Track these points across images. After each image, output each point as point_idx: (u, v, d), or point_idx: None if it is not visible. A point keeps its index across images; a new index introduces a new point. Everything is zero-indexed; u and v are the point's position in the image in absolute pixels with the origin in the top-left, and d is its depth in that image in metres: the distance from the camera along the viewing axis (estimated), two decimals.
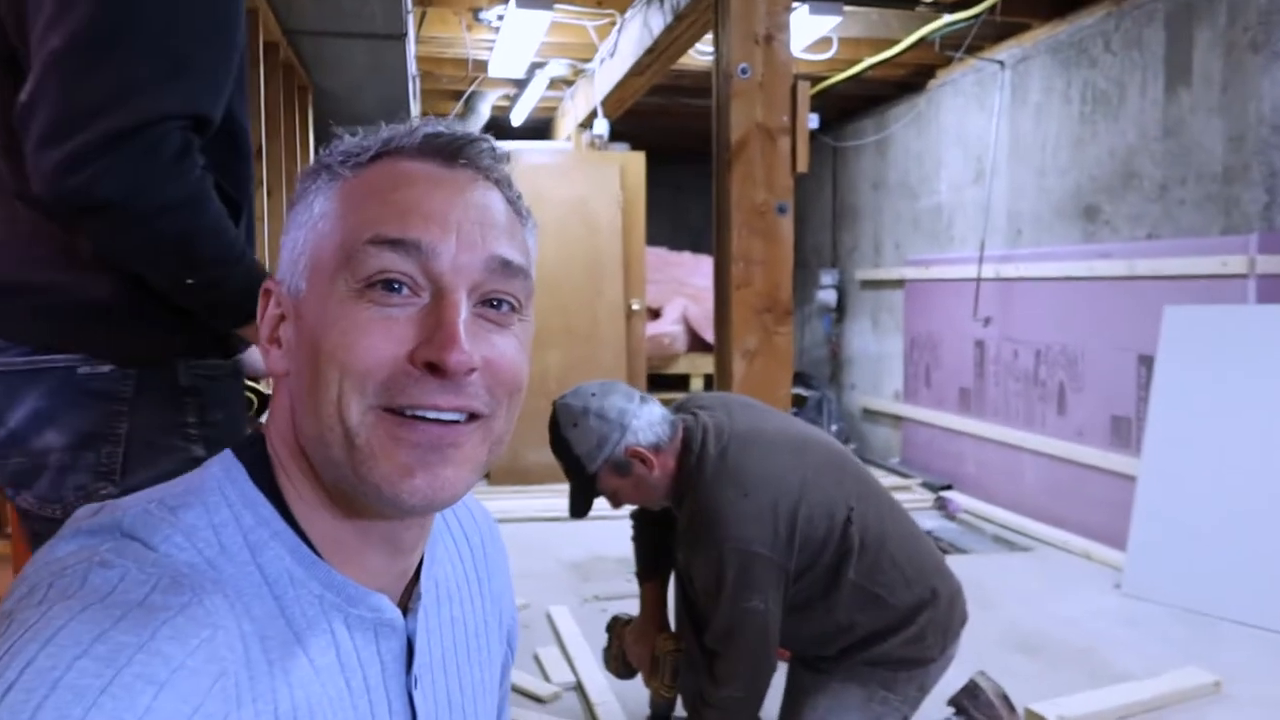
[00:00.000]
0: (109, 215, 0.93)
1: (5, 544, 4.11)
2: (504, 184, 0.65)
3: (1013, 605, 3.40)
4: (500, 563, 0.83)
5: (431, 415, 0.59)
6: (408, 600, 0.68)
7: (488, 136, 0.65)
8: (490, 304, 0.62)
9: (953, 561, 1.98)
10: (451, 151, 0.63)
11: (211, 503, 0.59)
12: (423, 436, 0.59)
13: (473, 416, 0.61)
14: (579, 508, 1.94)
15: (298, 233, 0.63)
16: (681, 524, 1.87)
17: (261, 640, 0.56)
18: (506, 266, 0.62)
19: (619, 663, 2.23)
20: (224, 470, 0.62)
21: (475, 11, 4.49)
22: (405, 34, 3.61)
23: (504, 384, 0.62)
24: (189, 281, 1.02)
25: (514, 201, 0.66)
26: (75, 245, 1.03)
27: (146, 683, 0.46)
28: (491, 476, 5.52)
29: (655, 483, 1.88)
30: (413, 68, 4.26)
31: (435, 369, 0.58)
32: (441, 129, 0.63)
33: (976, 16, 4.23)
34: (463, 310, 0.59)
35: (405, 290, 0.59)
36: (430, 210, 0.60)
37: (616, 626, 2.25)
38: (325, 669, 0.59)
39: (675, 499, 1.90)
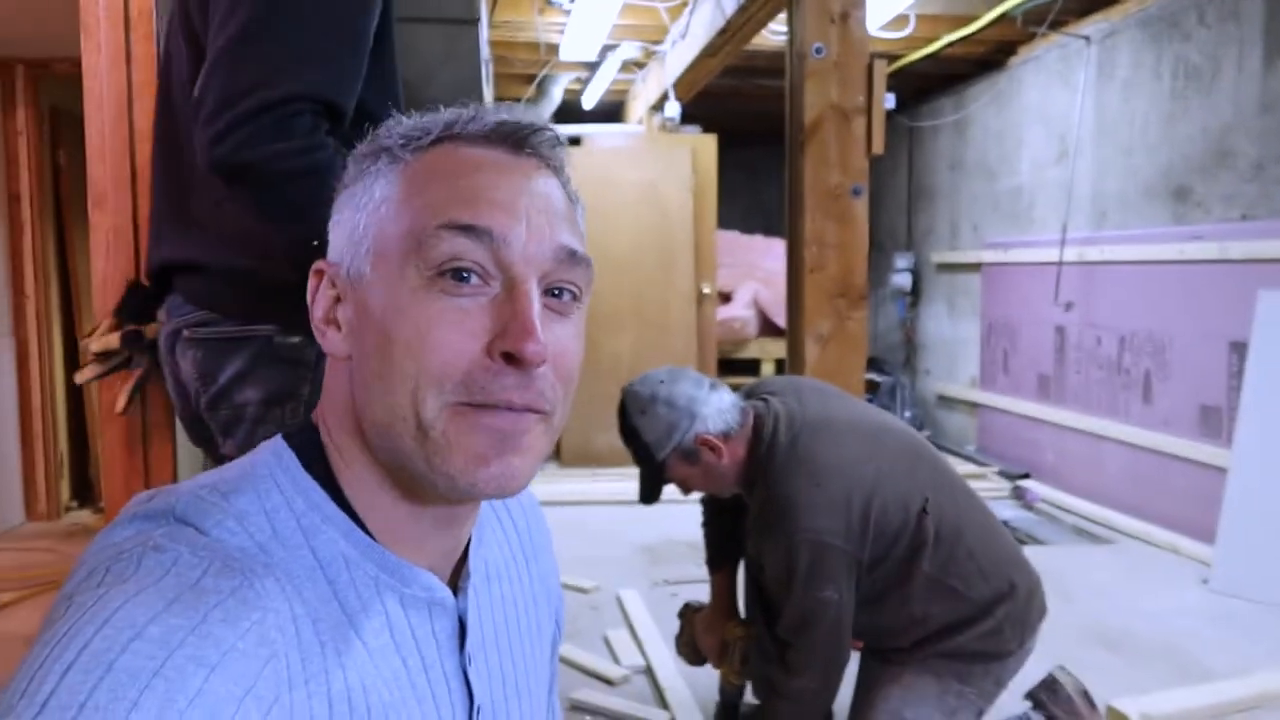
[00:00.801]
0: (251, 176, 1.11)
1: (96, 518, 4.29)
2: (561, 171, 0.65)
3: (1093, 599, 3.30)
4: (545, 543, 0.83)
5: (504, 406, 0.59)
6: (457, 580, 0.68)
7: (550, 124, 0.65)
8: (552, 293, 0.62)
9: (1030, 552, 1.92)
10: (518, 139, 0.63)
11: (263, 488, 0.60)
12: (499, 423, 0.59)
13: (538, 411, 0.61)
14: (648, 494, 1.93)
15: (357, 215, 0.62)
16: (752, 512, 1.85)
17: (314, 622, 0.56)
18: (572, 256, 0.62)
19: (690, 650, 2.23)
20: (275, 456, 0.62)
21: None
22: (479, 18, 3.62)
23: (564, 376, 0.62)
24: (315, 244, 1.14)
25: (569, 188, 0.66)
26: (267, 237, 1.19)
27: (198, 665, 0.47)
28: (563, 459, 5.57)
29: (724, 471, 1.86)
30: (486, 52, 4.28)
31: (511, 359, 0.58)
32: (507, 116, 0.63)
33: None
34: (535, 301, 0.59)
35: (475, 279, 0.59)
36: (499, 198, 0.60)
37: (688, 614, 2.25)
38: (380, 649, 0.60)
39: (746, 486, 1.88)
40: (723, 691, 2.18)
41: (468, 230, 0.58)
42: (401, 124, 0.63)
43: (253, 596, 0.52)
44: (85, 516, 4.34)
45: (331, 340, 0.63)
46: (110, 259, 1.40)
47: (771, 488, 1.78)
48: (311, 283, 0.65)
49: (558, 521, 4.67)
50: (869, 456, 1.79)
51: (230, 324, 1.26)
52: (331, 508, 0.61)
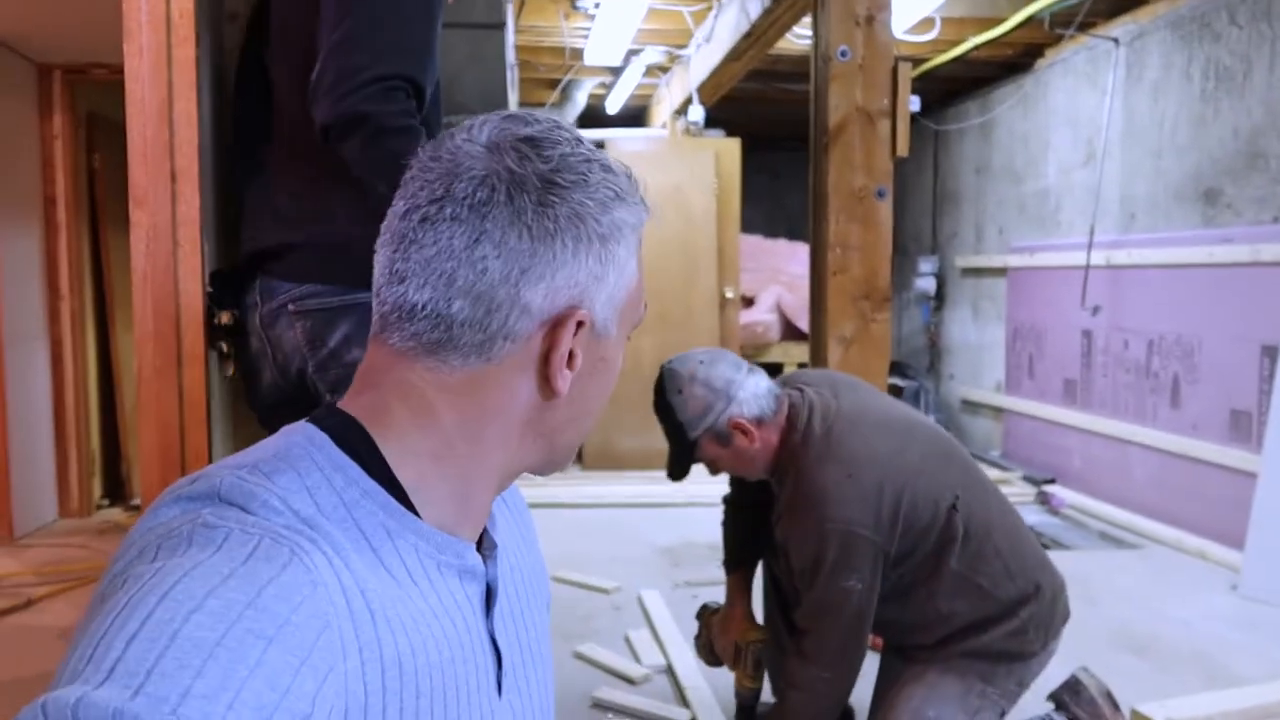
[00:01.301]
0: (365, 126, 1.37)
1: (127, 516, 4.36)
2: None
3: (1120, 604, 3.28)
4: (529, 520, 0.87)
5: None
6: (481, 549, 0.71)
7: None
8: None
9: (1056, 557, 1.92)
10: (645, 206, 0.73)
11: (302, 467, 0.62)
12: None
13: None
14: (677, 471, 1.93)
15: (618, 278, 0.69)
16: (782, 501, 1.86)
17: (363, 592, 0.58)
18: None
19: (707, 651, 2.23)
20: (307, 438, 0.64)
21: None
22: (504, 23, 3.65)
23: None
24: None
25: None
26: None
27: (256, 637, 0.49)
28: (585, 461, 5.59)
29: (754, 455, 1.86)
30: (511, 56, 4.32)
31: None
32: (634, 178, 0.72)
33: None
34: None
35: None
36: None
37: (705, 615, 2.25)
38: (426, 614, 0.62)
39: (776, 475, 1.89)
40: (738, 694, 2.19)
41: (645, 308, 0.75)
42: (621, 174, 0.70)
43: (303, 571, 0.54)
44: (116, 514, 4.41)
45: (564, 380, 0.67)
46: (149, 257, 1.44)
47: (803, 476, 1.78)
48: (570, 328, 0.66)
49: (580, 523, 4.68)
50: (901, 450, 1.80)
51: (333, 294, 1.45)
52: (370, 483, 0.63)
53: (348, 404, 0.67)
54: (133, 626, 0.47)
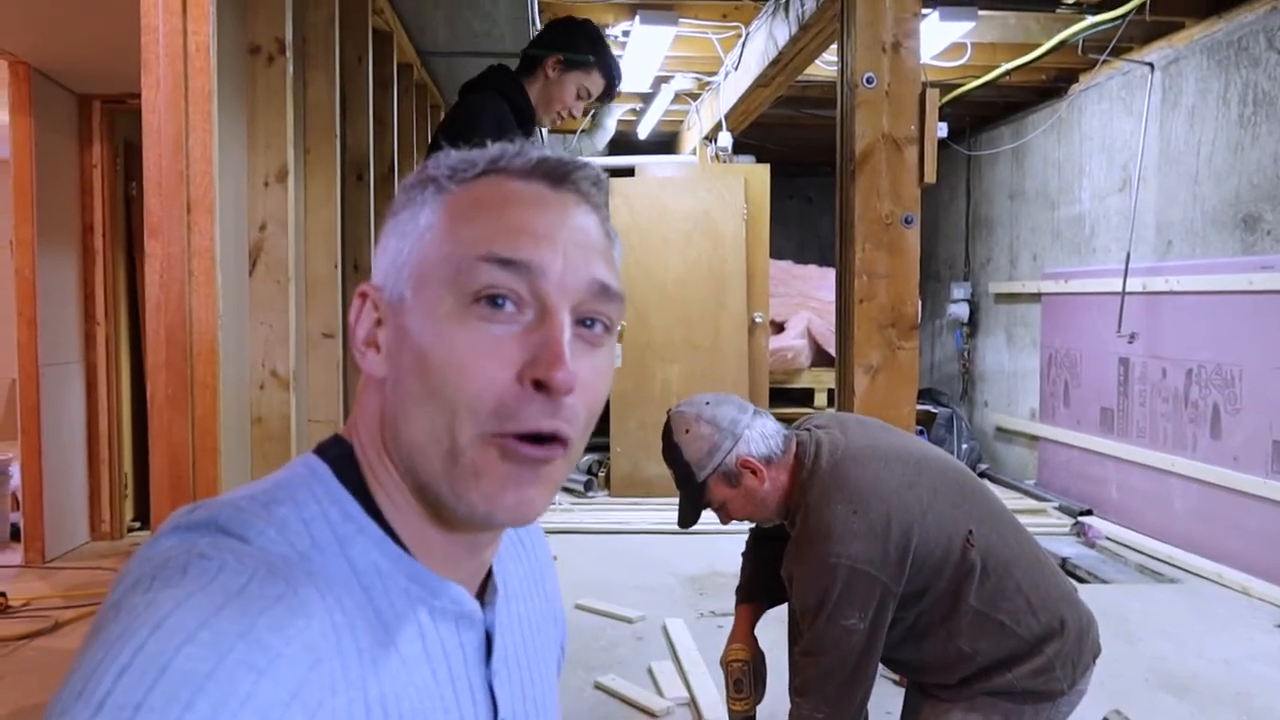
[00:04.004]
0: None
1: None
2: (600, 208, 0.67)
3: (1159, 640, 3.18)
4: (549, 563, 0.85)
5: (533, 435, 0.60)
6: (483, 594, 0.69)
7: (591, 162, 0.67)
8: (584, 323, 0.63)
9: (1091, 591, 1.86)
10: (559, 175, 0.64)
11: (300, 498, 0.61)
12: (525, 455, 0.60)
13: (561, 441, 0.62)
14: (687, 517, 1.92)
15: (401, 241, 0.64)
16: (791, 538, 1.83)
17: (352, 630, 0.57)
18: (605, 290, 0.64)
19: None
20: (308, 469, 0.64)
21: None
22: None
23: (590, 407, 0.63)
24: None
25: (606, 224, 0.68)
26: None
27: (248, 669, 0.48)
28: (613, 488, 5.56)
29: (764, 496, 1.84)
30: None
31: (541, 386, 0.59)
32: (549, 153, 0.65)
33: (1124, 16, 4.02)
34: (567, 330, 0.61)
35: (510, 306, 0.60)
36: (539, 230, 0.62)
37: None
38: (412, 659, 0.61)
39: (788, 515, 1.86)
40: (730, 717, 2.13)
41: (506, 264, 0.60)
42: (449, 156, 0.65)
43: (297, 604, 0.53)
44: (147, 537, 4.44)
45: (372, 362, 0.65)
46: (163, 286, 1.44)
47: (810, 512, 1.76)
48: (355, 304, 0.66)
49: (606, 550, 4.65)
50: (910, 485, 1.76)
51: None
52: (365, 519, 0.62)
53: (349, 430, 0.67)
54: (124, 659, 0.46)
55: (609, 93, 2.63)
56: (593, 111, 6.17)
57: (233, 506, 0.59)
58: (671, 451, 1.88)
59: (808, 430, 1.90)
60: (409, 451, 0.62)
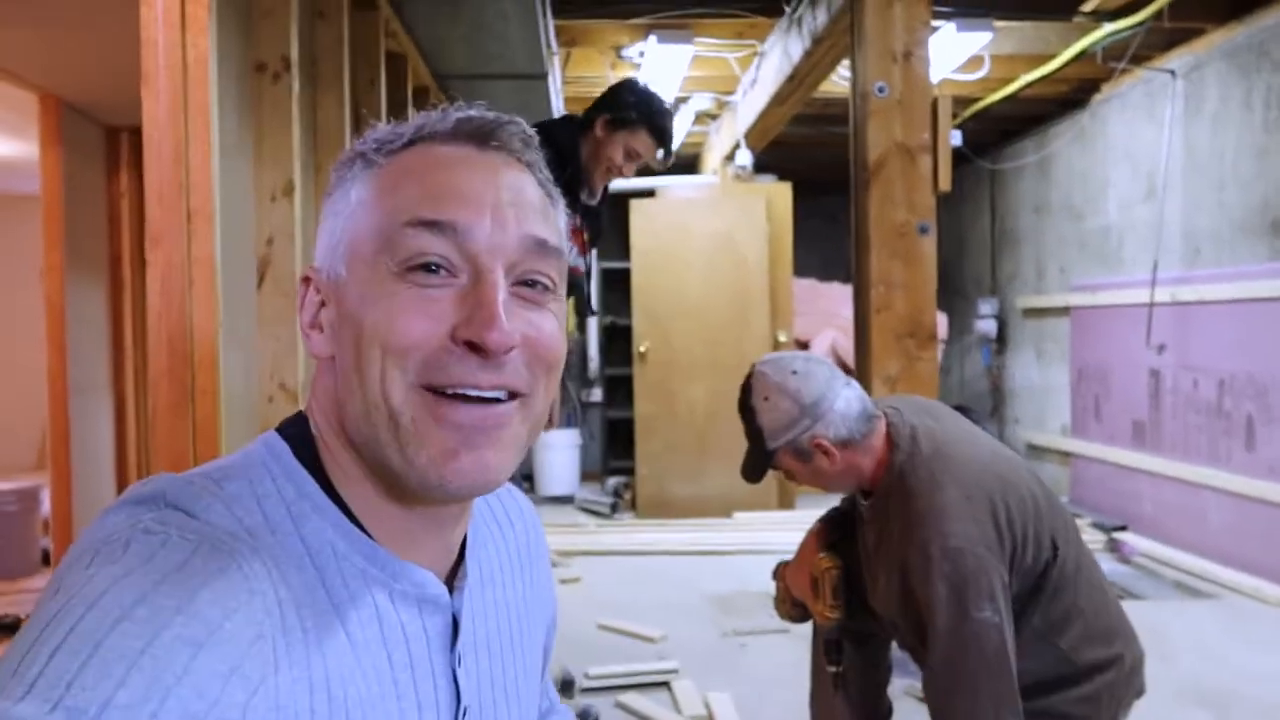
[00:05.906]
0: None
1: None
2: (535, 167, 0.66)
3: (1195, 657, 3.09)
4: (542, 551, 0.83)
5: (473, 394, 0.59)
6: (453, 579, 0.68)
7: (518, 119, 0.65)
8: (526, 283, 0.62)
9: (1128, 608, 1.78)
10: (484, 134, 0.63)
11: (255, 475, 0.60)
12: (466, 417, 0.59)
13: (513, 395, 0.61)
14: (752, 474, 1.82)
15: (335, 220, 0.64)
16: (882, 528, 1.73)
17: (297, 608, 0.56)
18: (541, 246, 0.62)
19: (788, 604, 2.05)
20: (267, 447, 0.63)
21: (618, 49, 4.59)
22: (547, 73, 3.72)
23: (542, 360, 0.62)
24: None
25: (545, 184, 0.66)
26: None
27: (185, 644, 0.47)
28: (639, 509, 5.53)
29: (834, 475, 1.75)
30: (559, 105, 4.39)
31: (476, 348, 0.58)
32: (473, 113, 0.64)
33: (1142, 24, 3.98)
34: (500, 290, 0.60)
35: (443, 272, 0.60)
36: (464, 192, 0.61)
37: (780, 569, 2.11)
38: (365, 642, 0.59)
39: (874, 497, 1.76)
40: (821, 630, 2.02)
41: (432, 226, 0.59)
42: (377, 130, 0.65)
43: (240, 578, 0.53)
44: None
45: (316, 343, 0.64)
46: (164, 295, 1.46)
47: (914, 498, 1.65)
48: (300, 290, 0.66)
49: (631, 570, 4.60)
50: (1015, 484, 1.66)
51: None
52: (322, 498, 0.61)
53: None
54: (58, 638, 0.46)
55: (663, 152, 2.58)
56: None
57: (182, 481, 0.58)
58: (747, 411, 1.79)
59: (896, 410, 1.82)
60: (356, 425, 0.61)
